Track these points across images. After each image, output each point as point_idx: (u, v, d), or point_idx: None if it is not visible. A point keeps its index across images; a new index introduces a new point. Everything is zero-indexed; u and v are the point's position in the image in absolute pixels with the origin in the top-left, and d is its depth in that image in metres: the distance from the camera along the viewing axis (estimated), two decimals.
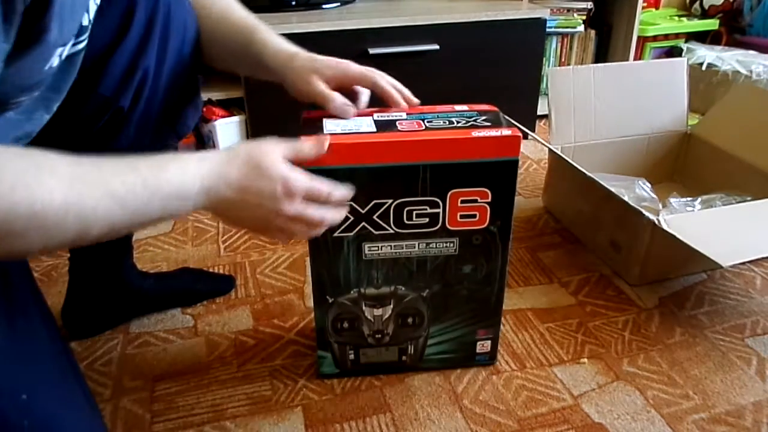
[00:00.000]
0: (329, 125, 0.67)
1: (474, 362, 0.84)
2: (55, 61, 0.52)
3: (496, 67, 1.56)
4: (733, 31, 2.04)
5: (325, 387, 0.82)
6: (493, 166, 0.67)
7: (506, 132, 0.66)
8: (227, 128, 1.43)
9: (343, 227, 0.69)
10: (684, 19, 2.01)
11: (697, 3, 2.06)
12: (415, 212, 0.69)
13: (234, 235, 1.20)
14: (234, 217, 0.60)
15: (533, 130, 1.67)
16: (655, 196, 1.10)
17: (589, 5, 1.82)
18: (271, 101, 1.39)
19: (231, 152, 0.57)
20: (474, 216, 0.70)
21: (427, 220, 0.70)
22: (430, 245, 0.72)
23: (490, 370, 0.84)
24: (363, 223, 0.69)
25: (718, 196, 1.10)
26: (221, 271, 1.08)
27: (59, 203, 0.45)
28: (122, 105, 0.68)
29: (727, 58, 1.81)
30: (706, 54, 1.85)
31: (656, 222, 0.88)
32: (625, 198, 0.97)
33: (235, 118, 1.43)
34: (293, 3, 1.46)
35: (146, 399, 0.80)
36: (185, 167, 0.54)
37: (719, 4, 2.02)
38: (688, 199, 1.11)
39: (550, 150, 1.18)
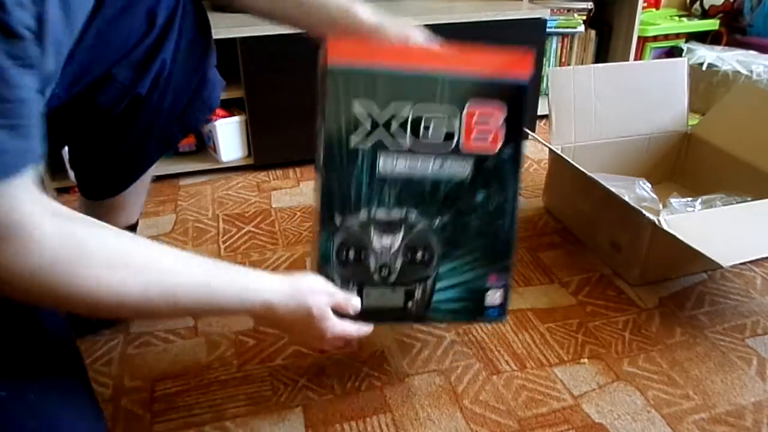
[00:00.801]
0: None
1: (484, 316, 0.79)
2: None
3: None
4: (733, 31, 2.04)
5: (325, 387, 0.82)
6: (510, 86, 0.70)
7: (523, 54, 0.70)
8: (227, 128, 1.43)
9: (359, 137, 0.68)
10: (684, 19, 2.01)
11: (698, 3, 2.06)
12: (432, 124, 0.69)
13: (234, 235, 1.20)
14: (276, 329, 0.74)
15: (533, 130, 1.67)
16: (655, 196, 1.10)
17: (590, 5, 1.82)
18: (271, 101, 1.39)
19: (295, 294, 0.66)
20: (486, 137, 0.71)
21: (442, 136, 0.70)
22: (445, 165, 0.71)
23: (490, 370, 0.84)
24: (379, 133, 0.68)
25: (718, 197, 1.10)
26: None
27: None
28: (139, 92, 0.74)
29: (728, 58, 1.81)
30: (706, 54, 1.85)
31: (656, 222, 0.88)
32: (626, 198, 0.97)
33: (235, 118, 1.43)
34: None
35: (146, 399, 0.80)
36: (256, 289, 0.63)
37: (719, 4, 2.02)
38: (689, 199, 1.11)
39: (550, 150, 1.18)
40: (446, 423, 0.76)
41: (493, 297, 0.78)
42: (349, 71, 0.66)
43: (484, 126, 0.71)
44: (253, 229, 1.22)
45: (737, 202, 1.06)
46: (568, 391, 0.81)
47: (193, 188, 1.41)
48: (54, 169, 1.37)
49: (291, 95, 1.37)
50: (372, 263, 0.73)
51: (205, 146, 1.52)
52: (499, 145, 0.72)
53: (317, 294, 0.67)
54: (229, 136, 1.44)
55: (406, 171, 0.70)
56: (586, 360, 0.86)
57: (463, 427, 0.76)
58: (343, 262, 0.72)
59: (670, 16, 2.03)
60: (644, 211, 0.91)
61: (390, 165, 0.70)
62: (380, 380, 0.83)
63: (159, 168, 0.90)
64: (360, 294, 0.74)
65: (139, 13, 0.71)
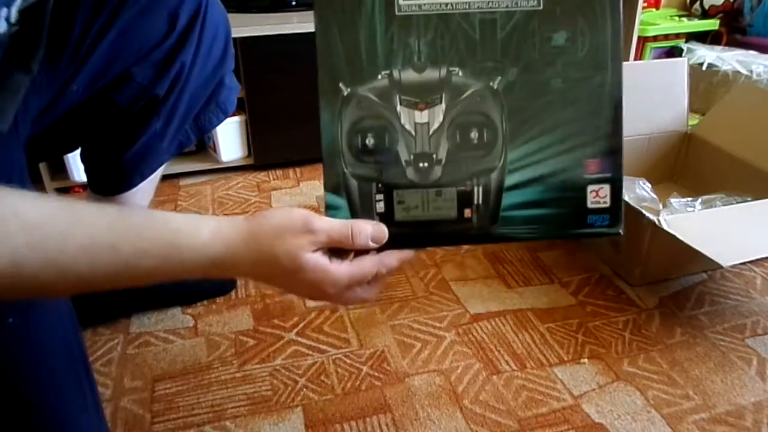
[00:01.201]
0: None
1: (586, 226, 0.52)
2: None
3: None
4: (733, 31, 2.04)
5: (325, 387, 0.82)
6: None
7: None
8: (227, 128, 1.43)
9: None
10: (684, 19, 2.00)
11: (698, 3, 2.06)
12: None
13: None
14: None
15: None
16: (655, 196, 1.10)
17: None
18: (271, 101, 1.39)
19: (249, 242, 0.46)
20: None
21: None
22: None
23: (490, 370, 0.84)
24: None
25: (718, 197, 1.10)
26: None
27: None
28: (157, 93, 0.74)
29: (728, 58, 1.81)
30: (706, 54, 1.85)
31: (657, 222, 0.88)
32: (626, 198, 0.97)
33: (235, 118, 1.43)
34: (293, 3, 1.46)
35: (146, 399, 0.80)
36: (194, 246, 0.45)
37: (719, 4, 2.02)
38: (689, 199, 1.11)
39: None
40: (446, 423, 0.76)
41: (597, 195, 0.52)
42: None
43: None
44: None
45: (737, 202, 1.06)
46: (568, 391, 0.81)
47: (193, 188, 1.41)
48: (54, 169, 1.37)
49: (291, 95, 1.37)
50: (403, 152, 0.50)
51: (205, 146, 1.52)
52: None
53: (287, 236, 0.46)
54: (229, 136, 1.44)
55: (440, 4, 0.48)
56: (586, 360, 0.86)
57: (463, 427, 0.76)
58: (358, 153, 0.50)
59: (670, 16, 2.03)
60: (644, 211, 0.91)
61: None
62: (380, 380, 0.83)
63: (163, 169, 0.90)
64: (389, 200, 0.51)
65: (160, 15, 0.72)
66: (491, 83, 0.49)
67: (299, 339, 0.91)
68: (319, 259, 0.46)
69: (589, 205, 0.51)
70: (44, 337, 0.54)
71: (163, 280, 0.45)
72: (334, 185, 0.50)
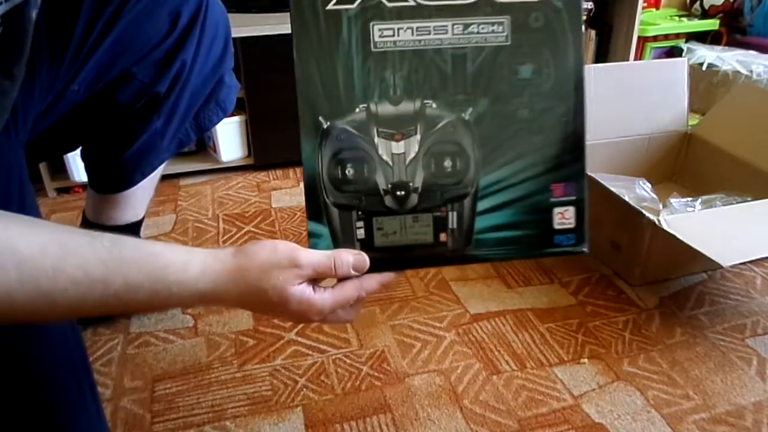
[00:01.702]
0: None
1: (553, 246, 0.54)
2: None
3: None
4: (733, 31, 2.04)
5: (325, 387, 0.82)
6: None
7: None
8: (227, 128, 1.43)
9: None
10: (684, 19, 2.00)
11: (698, 3, 2.06)
12: None
13: (234, 235, 1.20)
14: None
15: None
16: (655, 196, 1.10)
17: (589, 5, 1.82)
18: (271, 101, 1.39)
19: (235, 281, 0.47)
20: None
21: None
22: (471, 28, 0.50)
23: (490, 370, 0.84)
24: None
25: (718, 197, 1.10)
26: None
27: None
28: (158, 91, 0.75)
29: (728, 59, 1.81)
30: (706, 54, 1.85)
31: (657, 222, 0.88)
32: (626, 198, 0.97)
33: (235, 118, 1.43)
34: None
35: (146, 399, 0.80)
36: (184, 279, 0.46)
37: (719, 4, 2.02)
38: (689, 199, 1.11)
39: None
40: (446, 423, 0.76)
41: (563, 217, 0.55)
42: None
43: None
44: (253, 229, 1.22)
45: (737, 202, 1.06)
46: (568, 391, 0.81)
47: (193, 188, 1.41)
48: (54, 169, 1.37)
49: (291, 95, 1.36)
50: (381, 181, 0.52)
51: (205, 146, 1.52)
52: None
53: (272, 271, 0.47)
54: (229, 136, 1.44)
55: (414, 41, 0.50)
56: (586, 360, 0.86)
57: (463, 427, 0.76)
58: (338, 183, 0.51)
59: (670, 16, 2.03)
60: (644, 211, 0.91)
61: (390, 34, 0.50)
62: (380, 380, 0.83)
63: (163, 168, 0.90)
64: (369, 227, 0.52)
65: (162, 14, 0.72)
66: (463, 114, 0.51)
67: (299, 339, 0.91)
68: (305, 291, 0.48)
69: (556, 226, 0.54)
70: (44, 337, 0.54)
71: (152, 311, 0.47)
72: (316, 214, 0.52)
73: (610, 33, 1.89)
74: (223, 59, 0.81)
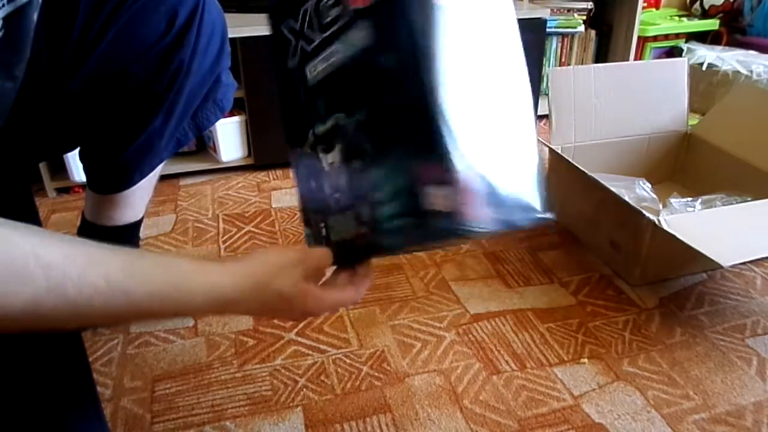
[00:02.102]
0: None
1: (428, 228, 0.52)
2: None
3: None
4: (733, 31, 2.04)
5: (325, 387, 0.82)
6: None
7: None
8: (227, 128, 1.43)
9: (290, 56, 0.61)
10: (684, 19, 2.01)
11: (698, 3, 2.06)
12: (327, 2, 0.55)
13: (234, 235, 1.20)
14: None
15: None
16: (655, 196, 1.10)
17: (590, 5, 1.82)
18: (271, 101, 1.39)
19: (252, 284, 0.51)
20: None
21: (336, 8, 0.53)
22: (347, 41, 0.54)
23: (490, 370, 0.84)
24: (300, 41, 0.59)
25: (718, 197, 1.10)
26: None
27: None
28: (156, 89, 0.74)
29: (728, 58, 1.81)
30: (706, 54, 1.85)
31: (656, 222, 0.88)
32: (626, 198, 0.97)
33: (235, 118, 1.43)
34: None
35: (146, 399, 0.80)
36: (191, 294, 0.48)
37: (719, 4, 2.02)
38: (689, 199, 1.11)
39: (550, 150, 1.18)
40: (446, 423, 0.76)
41: (436, 199, 0.50)
42: None
43: None
44: (253, 229, 1.22)
45: (737, 202, 1.06)
46: (568, 391, 0.81)
47: (193, 188, 1.41)
48: (54, 169, 1.37)
49: None
50: (327, 188, 0.60)
51: (205, 146, 1.52)
52: None
53: (282, 271, 0.52)
54: (229, 136, 1.44)
55: (324, 69, 0.56)
56: (586, 360, 0.86)
57: (463, 427, 0.76)
58: (309, 192, 0.63)
59: (670, 16, 2.03)
60: (644, 211, 0.91)
61: (313, 70, 0.58)
62: (380, 380, 0.83)
63: (162, 168, 0.90)
64: (327, 227, 0.61)
65: (159, 13, 0.72)
66: (357, 117, 0.56)
67: (299, 339, 0.91)
68: (311, 284, 0.55)
69: (426, 207, 0.52)
70: (43, 337, 0.54)
71: (170, 319, 0.48)
72: (305, 221, 0.64)
73: (610, 33, 1.89)
74: (220, 58, 0.81)
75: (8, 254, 0.39)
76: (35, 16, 0.49)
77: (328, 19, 0.55)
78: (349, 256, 0.60)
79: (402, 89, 0.52)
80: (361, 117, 0.55)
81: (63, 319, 0.42)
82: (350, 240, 0.59)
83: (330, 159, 0.59)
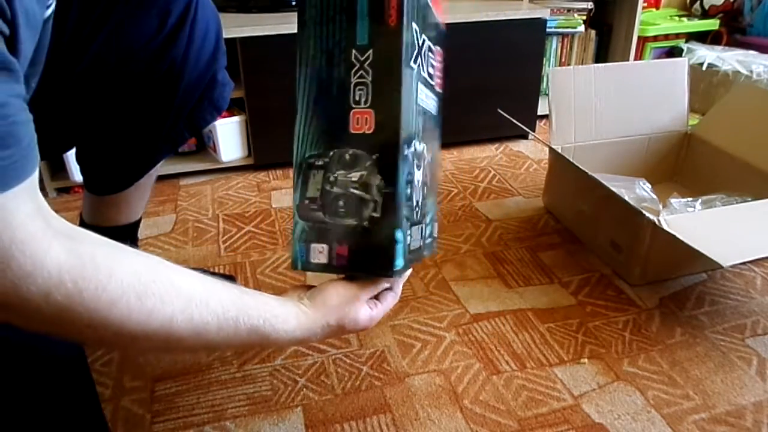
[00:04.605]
0: None
1: (431, 248, 0.75)
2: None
3: (496, 67, 1.56)
4: (733, 31, 2.04)
5: (325, 387, 0.82)
6: (441, 31, 0.70)
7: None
8: (227, 128, 1.43)
9: (410, 61, 0.62)
10: (684, 19, 2.01)
11: (698, 3, 2.06)
12: (432, 60, 0.68)
13: (234, 235, 1.20)
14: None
15: (533, 130, 1.67)
16: (655, 196, 1.10)
17: (590, 5, 1.82)
18: (271, 101, 1.39)
19: (324, 323, 0.60)
20: (440, 76, 0.72)
21: (433, 71, 0.69)
22: (433, 100, 0.70)
23: (490, 370, 0.84)
24: (421, 55, 0.65)
25: (718, 197, 1.10)
26: (222, 271, 1.08)
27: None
28: (149, 90, 0.74)
29: (728, 58, 1.81)
30: (706, 54, 1.85)
31: (657, 222, 0.88)
32: (626, 198, 0.97)
33: (235, 118, 1.43)
34: (293, 3, 1.46)
35: (146, 399, 0.80)
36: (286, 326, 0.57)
37: (719, 4, 2.02)
38: (689, 199, 1.11)
39: (550, 150, 1.18)
40: (446, 423, 0.76)
41: (435, 227, 0.76)
42: None
43: (439, 65, 0.70)
44: (253, 229, 1.22)
45: (737, 202, 1.06)
46: (568, 391, 0.81)
47: (193, 188, 1.41)
48: (54, 168, 1.37)
49: (291, 95, 1.37)
50: (414, 199, 0.66)
51: (205, 146, 1.52)
52: (441, 90, 0.72)
53: (344, 308, 0.61)
54: (229, 136, 1.44)
55: (424, 100, 0.66)
56: (586, 360, 0.86)
57: (463, 427, 0.76)
58: (406, 200, 0.64)
59: (670, 16, 2.03)
60: (644, 211, 0.91)
61: (422, 95, 0.65)
62: (380, 380, 0.83)
63: (159, 168, 0.90)
64: (407, 235, 0.66)
65: (151, 13, 0.71)
66: (431, 155, 0.69)
67: None
68: (368, 312, 0.62)
69: (434, 232, 0.75)
70: (42, 338, 0.54)
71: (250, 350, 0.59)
72: (398, 219, 0.66)
73: (610, 33, 1.89)
74: (215, 58, 0.81)
75: (153, 276, 0.46)
76: (50, 24, 0.49)
77: (430, 69, 0.66)
78: (405, 264, 0.65)
79: (435, 160, 0.71)
80: (430, 158, 0.69)
81: (186, 342, 0.49)
82: (413, 251, 0.66)
83: (419, 176, 0.66)
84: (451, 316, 0.95)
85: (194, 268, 1.09)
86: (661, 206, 1.08)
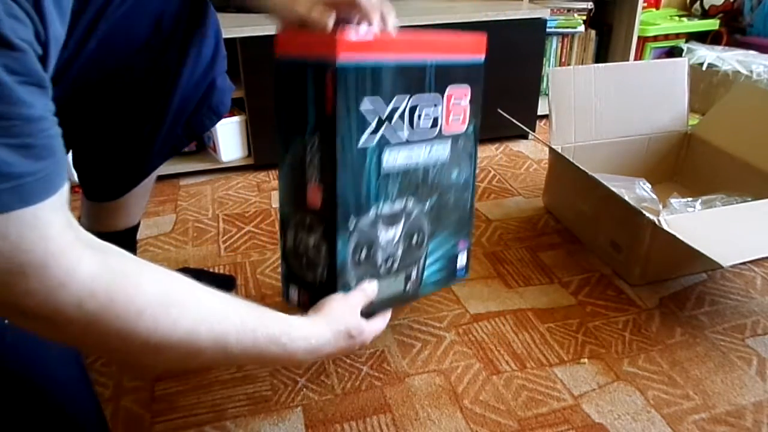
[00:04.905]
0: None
1: (455, 278, 0.88)
2: None
3: (496, 67, 1.55)
4: (733, 31, 2.04)
5: (325, 387, 0.82)
6: (473, 66, 0.76)
7: (478, 35, 0.76)
8: (227, 128, 1.43)
9: (366, 135, 0.67)
10: (684, 19, 2.01)
11: (698, 3, 2.06)
12: (423, 113, 0.72)
13: (234, 235, 1.20)
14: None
15: (533, 130, 1.67)
16: (655, 196, 1.10)
17: (590, 5, 1.82)
18: (271, 101, 1.39)
19: (334, 329, 0.65)
20: (460, 117, 0.77)
21: (431, 123, 0.73)
22: (432, 151, 0.75)
23: (490, 370, 0.84)
24: (383, 128, 0.68)
25: (718, 197, 1.10)
26: (222, 271, 1.08)
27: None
28: (144, 96, 0.73)
29: (728, 59, 1.81)
30: (706, 54, 1.85)
31: (657, 222, 0.88)
32: (626, 198, 0.97)
33: (235, 118, 1.43)
34: None
35: (146, 399, 0.80)
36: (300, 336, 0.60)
37: (719, 4, 2.02)
38: (689, 199, 1.11)
39: (550, 150, 1.18)
40: (446, 423, 0.76)
41: (462, 259, 0.86)
42: (358, 67, 0.63)
43: (458, 107, 0.75)
44: (253, 229, 1.22)
45: (737, 202, 1.06)
46: (568, 391, 0.81)
47: (193, 188, 1.41)
48: None
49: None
50: (380, 258, 0.74)
51: (205, 146, 1.52)
52: (467, 122, 0.78)
53: (347, 315, 0.67)
54: (229, 136, 1.44)
55: (404, 162, 0.72)
56: (586, 360, 0.86)
57: (463, 427, 0.76)
58: (358, 263, 0.72)
59: (670, 16, 2.03)
60: (644, 211, 0.91)
61: (393, 159, 0.70)
62: (380, 380, 0.83)
63: (159, 168, 0.90)
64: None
65: (145, 17, 0.70)
66: (425, 206, 0.77)
67: None
68: (362, 319, 0.69)
69: (458, 266, 0.86)
70: (42, 339, 0.54)
71: (269, 365, 0.62)
72: (344, 286, 0.73)
73: (610, 33, 1.89)
74: (214, 62, 0.79)
75: (176, 287, 0.49)
76: None
77: (422, 127, 0.72)
78: (378, 308, 0.75)
79: (460, 193, 0.81)
80: (427, 206, 0.77)
81: (206, 353, 0.50)
82: (390, 297, 0.78)
83: (391, 234, 0.74)
84: (451, 316, 0.95)
85: (194, 269, 1.10)
86: (661, 206, 1.08)
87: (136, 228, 0.95)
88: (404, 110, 0.70)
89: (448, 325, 0.93)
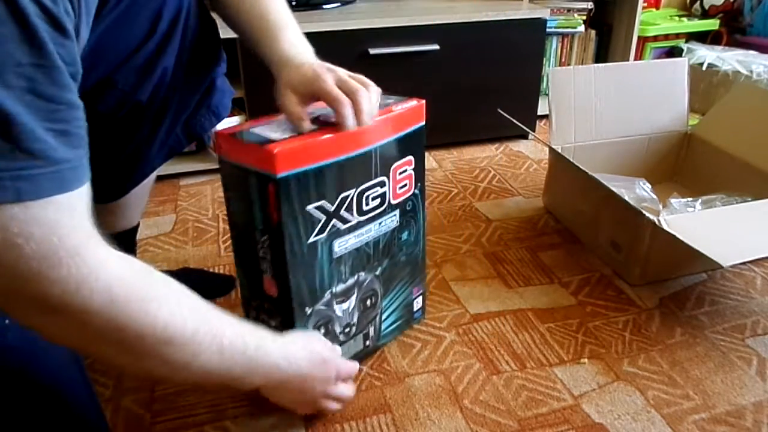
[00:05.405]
0: (265, 131, 0.68)
1: (413, 321, 0.92)
2: None
3: (496, 67, 1.56)
4: (733, 31, 2.05)
5: None
6: (414, 134, 0.77)
7: (414, 102, 0.76)
8: None
9: (315, 232, 0.69)
10: (684, 19, 2.01)
11: (698, 3, 2.06)
12: (370, 196, 0.74)
13: None
14: (281, 395, 0.70)
15: (533, 130, 1.67)
16: (655, 196, 1.10)
17: (590, 5, 1.82)
18: (271, 101, 1.39)
19: (305, 345, 0.68)
20: (405, 185, 0.79)
21: (378, 201, 0.75)
22: (382, 224, 0.77)
23: (490, 370, 0.84)
24: (333, 221, 0.71)
25: (718, 197, 1.10)
26: (221, 272, 1.08)
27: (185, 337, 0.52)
28: (140, 99, 0.72)
29: (728, 59, 1.81)
30: (706, 54, 1.85)
31: (657, 222, 0.88)
32: (626, 198, 0.97)
33: (235, 118, 1.43)
34: (293, 3, 1.46)
35: (146, 399, 0.80)
36: (275, 347, 0.64)
37: (719, 4, 2.02)
38: (689, 199, 1.11)
39: (550, 150, 1.18)
40: (446, 423, 0.76)
41: (417, 303, 0.91)
42: (299, 174, 0.64)
43: (403, 176, 0.78)
44: None
45: (737, 202, 1.06)
46: (568, 391, 0.81)
47: (193, 188, 1.41)
48: None
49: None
50: (338, 329, 0.78)
51: (205, 146, 1.52)
52: (413, 187, 0.80)
53: (321, 338, 0.73)
54: None
55: (355, 242, 0.75)
56: (586, 360, 0.86)
57: (463, 427, 0.76)
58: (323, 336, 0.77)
59: (670, 16, 2.03)
60: (644, 211, 0.91)
61: (343, 245, 0.73)
62: (380, 380, 0.83)
63: (159, 168, 0.89)
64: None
65: (141, 18, 0.69)
66: (376, 272, 0.80)
67: None
68: (334, 347, 0.75)
69: (414, 309, 0.91)
70: (42, 340, 0.54)
71: (249, 382, 0.63)
72: None
73: (610, 33, 1.89)
74: (212, 64, 0.78)
75: (184, 291, 0.53)
76: None
77: (368, 207, 0.74)
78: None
79: (412, 249, 0.85)
80: (379, 271, 0.80)
81: (214, 370, 0.54)
82: (351, 356, 0.81)
83: (345, 306, 0.78)
84: (451, 316, 0.95)
85: (194, 269, 1.10)
86: (661, 206, 1.08)
87: (135, 229, 0.95)
88: (351, 200, 0.71)
89: (448, 325, 0.93)
